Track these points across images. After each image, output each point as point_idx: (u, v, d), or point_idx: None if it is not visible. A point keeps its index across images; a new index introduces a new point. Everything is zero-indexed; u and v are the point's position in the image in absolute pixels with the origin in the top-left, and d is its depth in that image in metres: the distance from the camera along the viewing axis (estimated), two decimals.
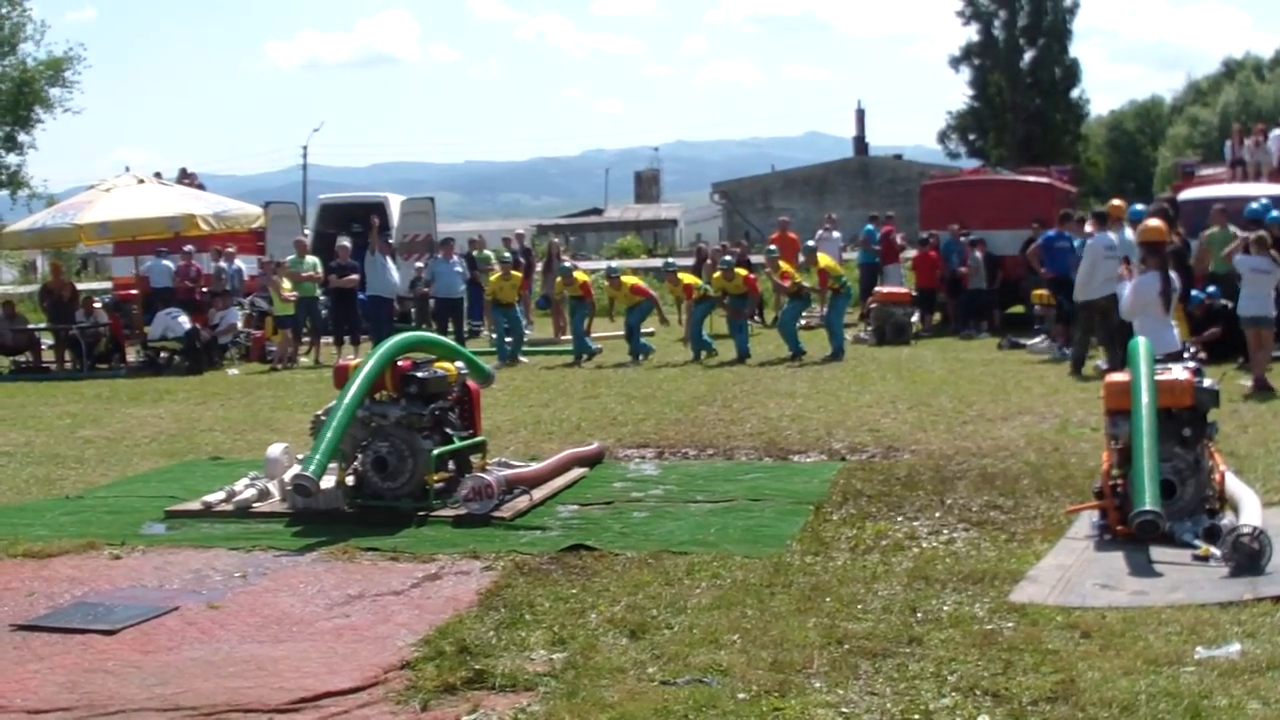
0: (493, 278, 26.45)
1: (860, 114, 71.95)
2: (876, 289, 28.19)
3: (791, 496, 11.21)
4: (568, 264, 28.44)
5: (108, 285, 39.03)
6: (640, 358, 23.40)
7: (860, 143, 71.09)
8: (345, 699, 6.58)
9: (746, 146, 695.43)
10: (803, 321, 24.40)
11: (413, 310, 30.34)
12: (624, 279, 25.00)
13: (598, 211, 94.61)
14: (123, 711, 6.49)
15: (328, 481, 11.25)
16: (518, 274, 26.75)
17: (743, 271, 23.95)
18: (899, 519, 10.17)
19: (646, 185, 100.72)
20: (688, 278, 25.32)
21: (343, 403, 11.11)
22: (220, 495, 11.69)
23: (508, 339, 25.16)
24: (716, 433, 14.85)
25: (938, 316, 28.84)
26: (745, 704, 6.09)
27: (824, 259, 23.84)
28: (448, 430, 11.66)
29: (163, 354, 26.65)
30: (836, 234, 33.23)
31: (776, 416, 15.80)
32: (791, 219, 37.22)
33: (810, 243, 25.87)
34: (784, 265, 24.15)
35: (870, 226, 32.66)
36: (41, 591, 9.03)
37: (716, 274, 24.45)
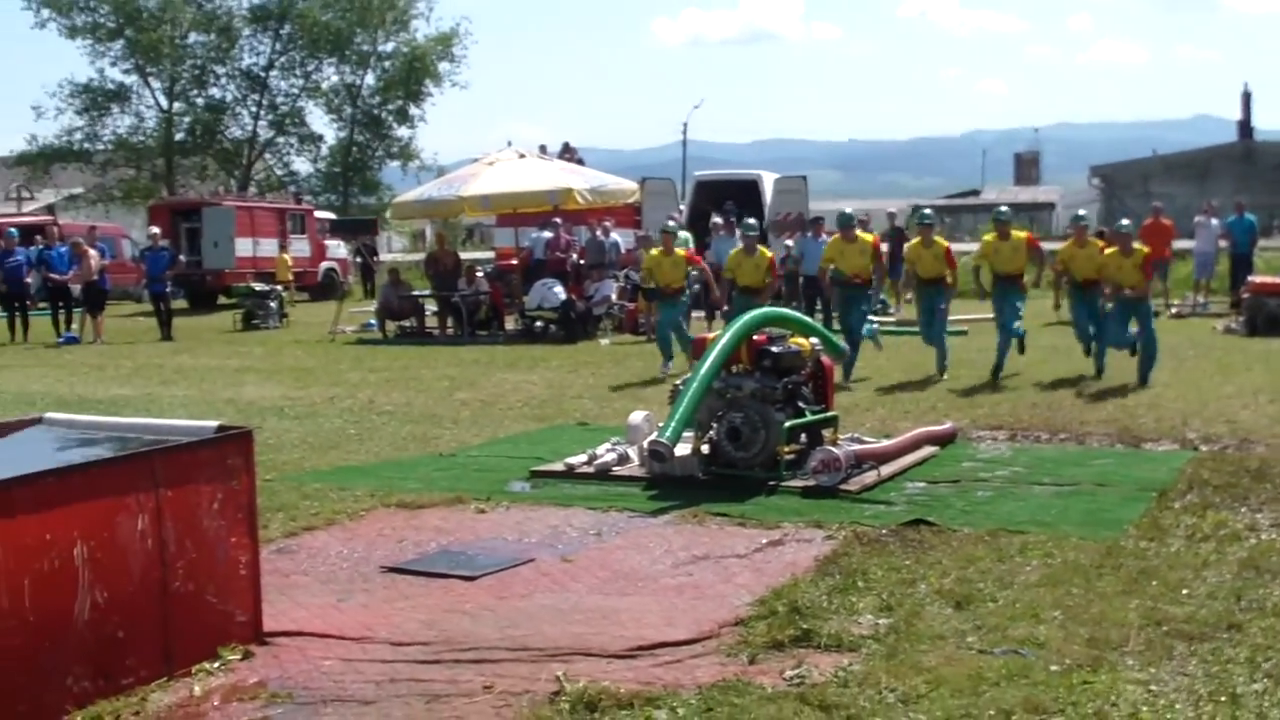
0: (653, 252, 22.30)
1: (1246, 97, 69.47)
2: (1249, 279, 27.48)
3: (1137, 483, 11.22)
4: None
5: (490, 255, 40.56)
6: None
7: (1245, 126, 68.64)
8: (679, 649, 7.02)
9: (1131, 129, 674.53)
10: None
11: (782, 287, 30.74)
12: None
13: (975, 193, 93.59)
14: (476, 649, 7.05)
15: (685, 449, 11.74)
16: (681, 251, 22.29)
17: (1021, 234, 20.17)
18: (1242, 510, 10.10)
19: (1026, 167, 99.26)
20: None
21: (699, 374, 11.58)
22: (582, 458, 12.29)
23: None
24: (1071, 418, 14.86)
25: None
26: (1056, 675, 6.30)
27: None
28: (800, 404, 12.02)
29: (539, 323, 27.67)
30: (1214, 221, 32.36)
31: (1134, 404, 15.69)
32: (1169, 205, 36.39)
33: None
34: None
35: (1238, 216, 31.88)
36: (411, 539, 9.74)
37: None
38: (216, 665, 6.81)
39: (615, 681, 6.41)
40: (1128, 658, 6.59)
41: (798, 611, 7.46)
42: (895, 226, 34.67)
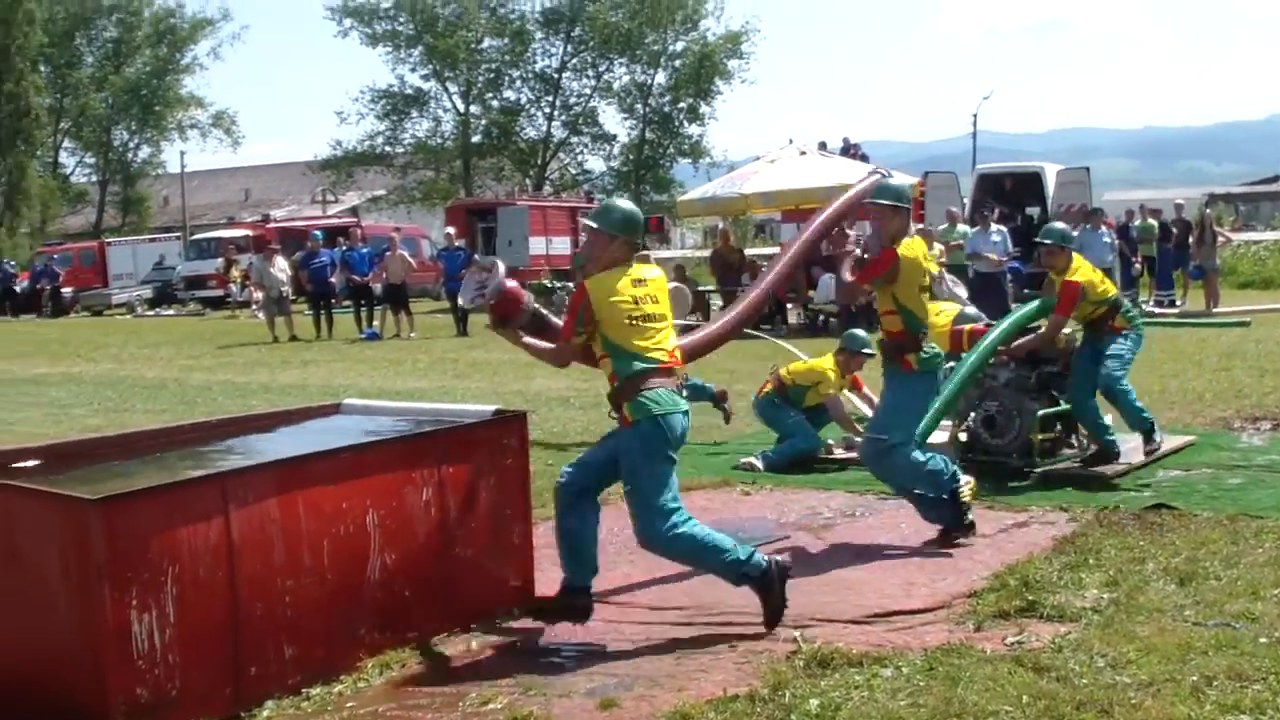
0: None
1: None
2: None
3: None
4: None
5: (775, 250, 41.24)
6: None
7: None
8: (911, 617, 7.61)
9: None
10: None
11: None
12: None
13: (1277, 179, 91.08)
14: (725, 613, 7.74)
15: (943, 436, 12.22)
16: None
17: None
18: None
19: None
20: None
21: (963, 366, 12.02)
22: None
23: None
24: None
25: None
26: (1263, 648, 6.65)
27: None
28: (1055, 393, 12.37)
29: (821, 316, 28.24)
30: None
31: None
32: None
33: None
34: None
35: None
36: None
37: None
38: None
39: (849, 643, 7.03)
40: None
41: (1027, 585, 7.97)
42: (1181, 219, 34.26)
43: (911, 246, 9.46)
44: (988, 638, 7.13)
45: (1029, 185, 34.73)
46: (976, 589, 8.10)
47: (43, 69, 76.60)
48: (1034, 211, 35.03)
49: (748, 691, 6.36)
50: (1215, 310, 29.63)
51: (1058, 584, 8.05)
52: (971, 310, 13.94)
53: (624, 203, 8.22)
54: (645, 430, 7.53)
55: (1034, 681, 6.30)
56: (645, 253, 13.06)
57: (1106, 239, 28.42)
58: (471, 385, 20.22)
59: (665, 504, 7.58)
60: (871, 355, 12.94)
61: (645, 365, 7.48)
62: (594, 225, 7.85)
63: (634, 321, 7.51)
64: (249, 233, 55.27)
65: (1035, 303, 12.77)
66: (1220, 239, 34.25)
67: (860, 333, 13.36)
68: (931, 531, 9.65)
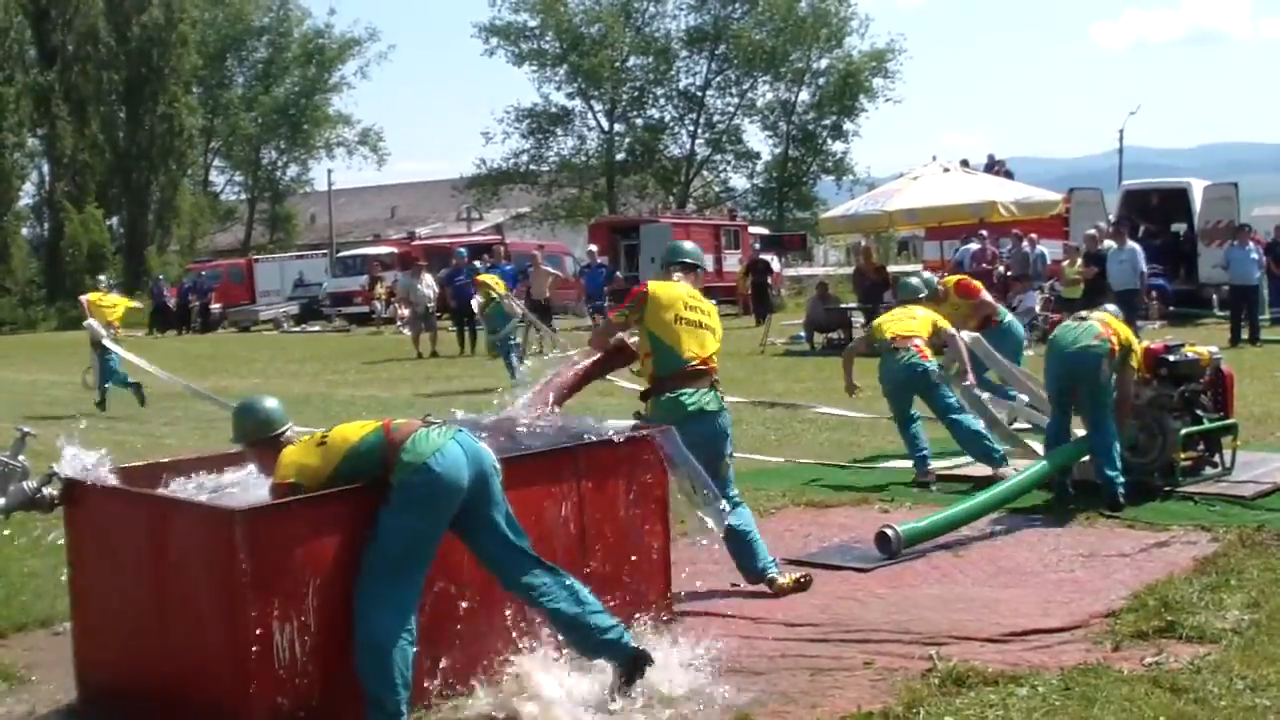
0: None
1: None
2: None
3: None
4: None
5: (918, 268, 41.05)
6: None
7: None
8: (1048, 636, 7.58)
9: None
10: None
11: (1214, 297, 30.69)
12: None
13: None
14: (861, 630, 7.79)
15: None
16: None
17: None
18: None
19: None
20: None
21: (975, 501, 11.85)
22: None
23: None
24: None
25: None
26: None
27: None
28: (1198, 412, 12.21)
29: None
30: None
31: None
32: None
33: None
34: None
35: None
36: (815, 535, 10.53)
37: None
38: None
39: (985, 662, 7.03)
40: None
41: (1167, 605, 7.90)
42: None
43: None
44: (1125, 658, 7.10)
45: (1175, 201, 34.43)
46: (1115, 609, 8.05)
47: (195, 90, 77.89)
48: (1180, 228, 34.67)
49: (882, 709, 6.40)
50: None
51: (1198, 604, 7.98)
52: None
53: None
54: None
55: (1171, 703, 6.28)
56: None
57: (1254, 255, 27.92)
58: (613, 402, 20.30)
59: None
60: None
61: None
62: None
63: None
64: (394, 250, 55.95)
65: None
66: None
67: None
68: (1072, 551, 9.62)
